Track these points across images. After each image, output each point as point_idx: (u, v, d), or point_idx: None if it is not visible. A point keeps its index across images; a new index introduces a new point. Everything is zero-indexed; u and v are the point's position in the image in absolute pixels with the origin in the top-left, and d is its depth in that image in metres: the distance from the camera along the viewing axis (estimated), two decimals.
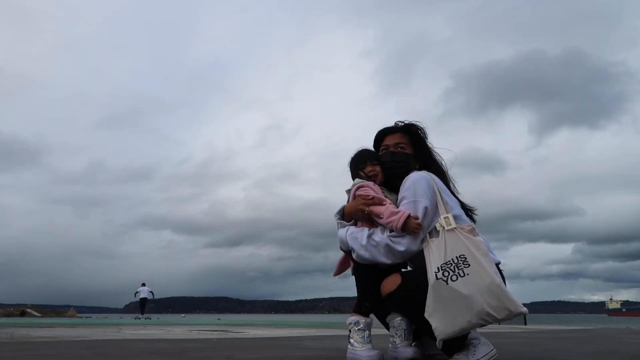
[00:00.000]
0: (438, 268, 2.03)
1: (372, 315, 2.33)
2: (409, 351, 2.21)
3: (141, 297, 22.50)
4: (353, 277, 2.37)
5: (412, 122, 2.53)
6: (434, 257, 2.08)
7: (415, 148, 2.50)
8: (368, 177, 2.41)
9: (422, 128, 2.53)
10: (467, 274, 1.98)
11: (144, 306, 22.78)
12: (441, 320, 1.98)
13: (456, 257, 2.03)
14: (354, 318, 2.28)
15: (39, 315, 30.12)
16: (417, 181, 2.27)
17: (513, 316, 1.94)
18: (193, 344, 3.66)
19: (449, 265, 2.02)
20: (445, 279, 1.99)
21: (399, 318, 2.27)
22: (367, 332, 2.25)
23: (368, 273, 2.28)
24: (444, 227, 2.14)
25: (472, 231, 2.14)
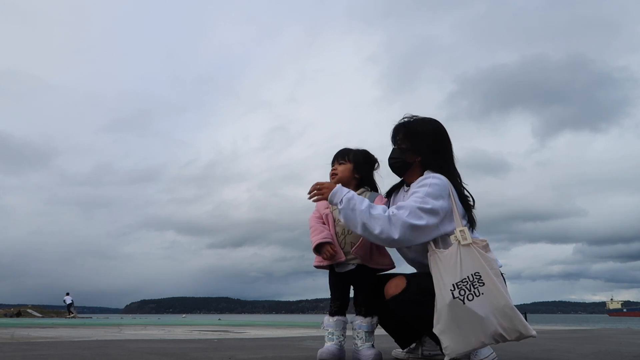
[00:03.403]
0: (454, 286, 1.97)
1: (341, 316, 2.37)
2: (370, 353, 2.24)
3: (68, 302, 28.62)
4: (351, 277, 2.40)
5: (405, 117, 2.44)
6: (447, 273, 2.01)
7: (410, 142, 2.39)
8: (331, 178, 2.51)
9: (411, 120, 2.41)
10: (482, 294, 1.94)
11: (69, 307, 28.80)
12: (453, 339, 1.95)
13: (471, 275, 1.98)
14: (324, 318, 2.41)
15: (40, 315, 30.12)
16: (434, 183, 2.17)
17: (522, 338, 1.94)
18: (194, 344, 3.66)
19: (464, 284, 1.96)
20: (462, 298, 1.94)
21: (359, 320, 2.32)
22: (328, 330, 2.33)
23: (342, 281, 2.38)
24: (459, 242, 2.05)
25: (486, 247, 2.07)
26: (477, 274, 1.98)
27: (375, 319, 2.32)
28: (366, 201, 2.14)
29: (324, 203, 2.41)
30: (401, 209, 2.09)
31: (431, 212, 2.09)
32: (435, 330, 1.99)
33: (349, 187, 2.36)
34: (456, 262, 2.02)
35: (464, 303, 1.94)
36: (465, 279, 1.98)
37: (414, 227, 2.06)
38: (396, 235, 2.04)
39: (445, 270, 2.02)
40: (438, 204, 2.11)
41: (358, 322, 2.32)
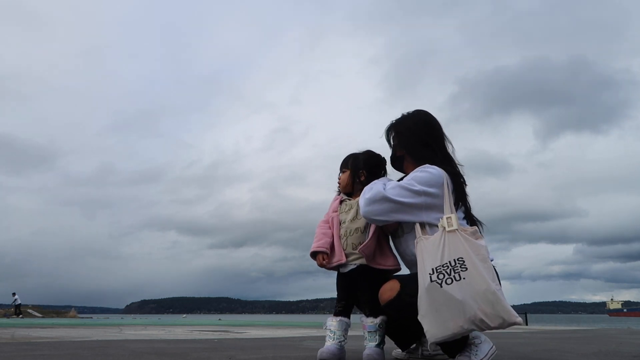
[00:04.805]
0: (433, 270, 1.96)
1: (344, 317, 2.39)
2: (367, 353, 2.25)
3: (17, 303, 28.71)
4: (354, 278, 2.40)
5: (393, 120, 2.53)
6: (429, 258, 2.01)
7: (397, 138, 2.50)
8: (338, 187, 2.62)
9: (398, 118, 2.51)
10: (463, 278, 1.90)
11: (19, 308, 28.93)
12: (432, 324, 1.93)
13: (454, 260, 1.95)
14: (327, 318, 2.43)
15: (40, 315, 30.15)
16: (425, 171, 2.20)
17: (507, 325, 1.88)
18: (194, 344, 3.66)
19: (445, 268, 1.94)
20: (439, 282, 1.92)
21: (364, 320, 2.33)
22: (330, 330, 2.36)
23: (346, 282, 2.41)
24: (444, 228, 2.05)
25: (474, 234, 2.04)
26: (460, 259, 1.95)
27: (378, 319, 2.31)
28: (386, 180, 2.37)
29: (333, 206, 2.54)
30: (386, 185, 2.23)
31: (411, 191, 2.16)
32: (418, 317, 1.97)
33: (354, 193, 2.51)
34: (439, 247, 2.01)
35: (441, 287, 1.91)
36: (446, 263, 1.95)
37: (385, 199, 2.16)
38: (364, 201, 2.20)
39: (428, 256, 2.02)
40: (423, 188, 2.15)
41: (363, 322, 2.34)
